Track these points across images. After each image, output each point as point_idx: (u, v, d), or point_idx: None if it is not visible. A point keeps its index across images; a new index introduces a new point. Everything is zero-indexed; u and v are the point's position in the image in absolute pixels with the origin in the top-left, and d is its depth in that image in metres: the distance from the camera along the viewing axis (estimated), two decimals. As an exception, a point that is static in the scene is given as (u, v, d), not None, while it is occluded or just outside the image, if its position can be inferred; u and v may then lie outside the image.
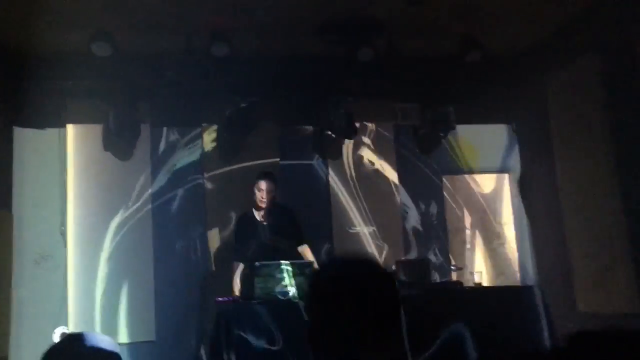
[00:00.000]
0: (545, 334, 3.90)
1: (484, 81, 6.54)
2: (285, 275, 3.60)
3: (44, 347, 4.80)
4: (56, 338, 5.47)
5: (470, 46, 5.97)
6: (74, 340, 1.53)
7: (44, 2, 4.72)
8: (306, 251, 4.71)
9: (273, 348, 3.40)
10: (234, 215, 5.83)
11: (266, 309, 3.51)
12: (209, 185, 6.14)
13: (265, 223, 4.74)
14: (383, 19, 5.64)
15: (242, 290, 4.40)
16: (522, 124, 7.00)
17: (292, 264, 3.67)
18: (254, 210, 4.79)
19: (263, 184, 4.68)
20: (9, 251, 5.36)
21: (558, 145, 6.29)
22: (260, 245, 4.61)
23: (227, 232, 5.97)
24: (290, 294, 3.59)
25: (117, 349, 1.59)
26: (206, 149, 6.21)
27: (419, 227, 6.63)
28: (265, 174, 4.81)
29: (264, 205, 4.69)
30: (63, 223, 5.75)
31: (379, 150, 6.63)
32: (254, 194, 4.72)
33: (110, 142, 5.89)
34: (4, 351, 5.18)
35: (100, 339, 1.58)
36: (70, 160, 5.84)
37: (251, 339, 3.43)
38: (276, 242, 4.59)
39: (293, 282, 3.58)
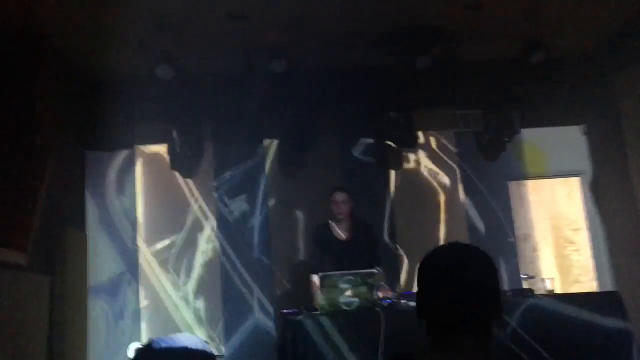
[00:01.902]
0: (625, 341, 3.69)
1: (549, 83, 6.35)
2: (349, 285, 3.57)
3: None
4: (131, 354, 5.64)
5: (534, 48, 5.82)
6: (164, 342, 1.51)
7: (110, 28, 4.93)
8: (379, 275, 4.61)
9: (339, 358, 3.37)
10: (300, 226, 5.89)
11: (330, 320, 3.48)
12: (272, 200, 6.20)
13: (343, 239, 4.71)
14: (440, 25, 5.58)
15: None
16: (592, 126, 6.72)
17: (355, 274, 3.64)
18: (331, 223, 4.78)
19: (337, 196, 4.70)
20: (84, 270, 5.58)
21: (631, 146, 6.01)
22: (337, 261, 4.56)
23: (288, 245, 6.01)
24: (355, 304, 3.55)
25: (210, 349, 1.56)
26: (268, 164, 6.28)
27: (485, 235, 6.44)
28: (337, 187, 4.86)
29: (341, 217, 4.67)
30: (134, 241, 5.94)
31: (440, 159, 6.51)
32: (331, 209, 4.72)
33: (176, 161, 6.06)
34: (83, 366, 5.38)
35: (193, 340, 1.55)
36: (139, 180, 6.05)
37: (317, 349, 3.41)
38: (353, 260, 4.51)
39: (357, 292, 3.55)
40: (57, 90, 5.11)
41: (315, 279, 4.57)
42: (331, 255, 4.61)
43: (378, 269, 4.63)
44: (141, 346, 1.54)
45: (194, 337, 1.58)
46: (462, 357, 1.41)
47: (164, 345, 1.50)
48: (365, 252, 4.66)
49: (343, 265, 4.33)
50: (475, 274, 1.45)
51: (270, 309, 5.91)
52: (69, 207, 5.49)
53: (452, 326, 1.43)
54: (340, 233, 4.73)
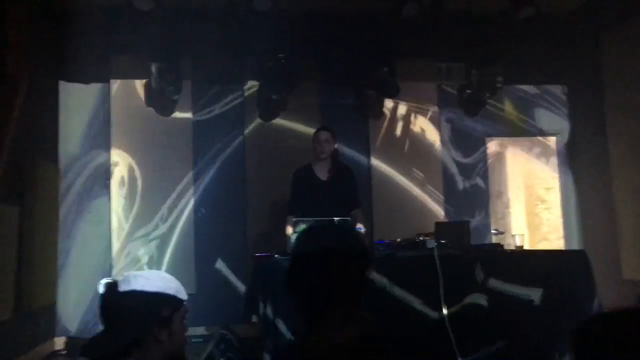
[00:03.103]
0: (589, 300, 3.79)
1: (535, 40, 6.29)
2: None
3: (89, 296, 4.96)
4: (101, 289, 5.65)
5: (524, 2, 5.74)
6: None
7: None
8: (358, 215, 4.65)
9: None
10: (272, 172, 5.87)
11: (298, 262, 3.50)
12: (249, 141, 6.14)
13: (324, 179, 4.70)
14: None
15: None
16: (573, 86, 6.73)
17: (330, 221, 3.64)
18: (312, 163, 4.77)
19: (320, 135, 4.67)
20: (55, 203, 5.51)
21: (611, 107, 6.05)
22: (317, 201, 4.55)
23: (264, 187, 6.00)
24: (327, 250, 3.57)
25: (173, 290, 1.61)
26: (247, 105, 6.19)
27: (461, 189, 6.52)
28: (322, 127, 4.83)
29: (323, 156, 4.65)
30: (107, 176, 5.86)
31: (420, 111, 6.49)
32: (313, 148, 4.70)
33: (153, 97, 5.93)
34: (52, 298, 5.38)
35: (157, 281, 1.59)
36: (113, 114, 5.92)
37: (284, 290, 3.44)
38: (332, 200, 4.51)
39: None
40: (30, 19, 4.92)
41: (288, 222, 4.58)
42: (310, 195, 4.59)
43: (357, 209, 4.66)
44: (111, 282, 1.58)
45: (157, 277, 1.58)
46: (335, 332, 1.45)
47: (120, 288, 1.53)
48: (344, 193, 4.66)
49: (322, 205, 4.33)
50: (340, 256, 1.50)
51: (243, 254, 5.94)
52: (41, 140, 5.37)
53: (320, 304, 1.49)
54: (321, 173, 4.71)
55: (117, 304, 1.52)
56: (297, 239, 1.64)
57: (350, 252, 1.53)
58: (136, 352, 1.49)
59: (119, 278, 1.62)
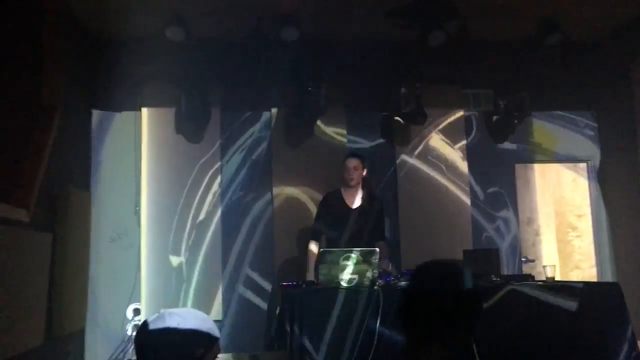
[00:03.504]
0: (622, 333, 3.70)
1: (563, 67, 6.26)
2: (349, 262, 3.57)
3: (117, 322, 5.02)
4: (129, 314, 5.71)
5: (550, 29, 5.73)
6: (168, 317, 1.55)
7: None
8: (383, 248, 4.57)
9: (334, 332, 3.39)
10: (301, 199, 5.89)
11: (328, 295, 3.49)
12: (277, 167, 6.17)
13: (352, 206, 4.67)
14: (455, 1, 5.48)
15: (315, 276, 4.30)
16: (604, 112, 6.65)
17: (356, 251, 3.63)
18: (342, 189, 4.76)
19: (349, 162, 4.68)
20: (87, 229, 5.60)
21: (642, 134, 5.95)
22: (341, 228, 4.54)
23: (291, 216, 6.02)
24: (354, 282, 3.56)
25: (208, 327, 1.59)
26: (275, 134, 6.24)
27: (489, 216, 6.44)
28: (351, 152, 4.87)
29: (352, 183, 4.64)
30: (137, 203, 5.95)
31: (448, 138, 6.46)
32: (344, 176, 4.72)
33: (182, 125, 6.03)
34: (81, 323, 5.44)
35: (190, 320, 1.58)
36: (144, 142, 6.03)
37: (314, 322, 3.43)
38: (358, 229, 4.49)
39: (357, 270, 3.55)
40: (65, 49, 5.06)
41: (313, 246, 4.56)
42: (336, 221, 4.58)
43: (382, 242, 4.63)
44: (139, 307, 1.59)
45: (191, 315, 1.59)
46: None
47: (154, 325, 1.53)
48: (371, 223, 4.64)
49: (347, 232, 4.32)
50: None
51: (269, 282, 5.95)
52: (73, 167, 5.48)
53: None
54: (350, 200, 4.69)
55: (152, 342, 1.53)
56: (415, 274, 1.71)
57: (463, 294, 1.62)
58: None
59: (151, 307, 1.63)
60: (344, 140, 6.26)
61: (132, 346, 5.48)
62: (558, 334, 3.63)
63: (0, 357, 3.69)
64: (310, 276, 4.40)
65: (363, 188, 4.67)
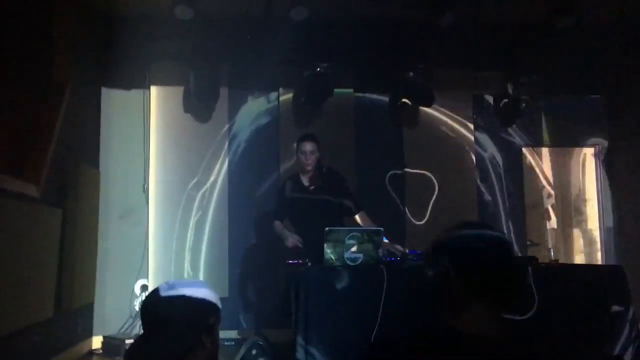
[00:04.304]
0: (624, 314, 3.73)
1: (574, 50, 6.22)
2: (354, 241, 3.60)
3: (125, 297, 5.08)
4: (137, 290, 5.79)
5: (562, 12, 5.68)
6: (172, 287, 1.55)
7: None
8: (364, 218, 4.55)
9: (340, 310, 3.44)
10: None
11: (333, 273, 3.53)
12: (284, 149, 6.20)
13: (312, 187, 4.59)
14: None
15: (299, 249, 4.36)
16: (612, 96, 6.61)
17: (362, 230, 3.66)
18: (300, 174, 4.72)
19: (306, 145, 4.52)
20: (96, 206, 5.67)
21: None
22: (305, 209, 4.51)
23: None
24: (360, 260, 3.59)
25: (214, 298, 1.61)
26: (283, 113, 6.26)
27: (495, 200, 6.46)
28: (306, 135, 4.66)
29: (309, 168, 4.55)
30: (145, 181, 6.00)
31: (456, 120, 6.45)
32: (298, 158, 4.62)
33: (190, 103, 6.05)
34: (90, 298, 5.53)
35: (199, 290, 1.59)
36: (153, 120, 6.06)
37: (320, 300, 3.47)
38: (322, 206, 4.45)
39: (362, 248, 3.58)
40: (75, 27, 5.07)
41: (277, 224, 4.58)
42: (299, 205, 4.53)
43: (362, 212, 4.59)
44: (147, 284, 1.60)
45: (199, 284, 1.61)
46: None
47: (167, 293, 1.54)
48: (336, 198, 4.58)
49: (308, 214, 4.32)
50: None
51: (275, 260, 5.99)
52: (83, 144, 5.53)
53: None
54: (308, 181, 4.63)
55: (167, 309, 1.52)
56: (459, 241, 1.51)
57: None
58: (186, 358, 1.50)
59: (158, 284, 1.62)
60: (351, 119, 6.26)
61: (139, 322, 5.57)
62: (559, 314, 3.66)
63: (10, 328, 3.77)
64: (291, 242, 4.42)
65: (316, 169, 4.59)
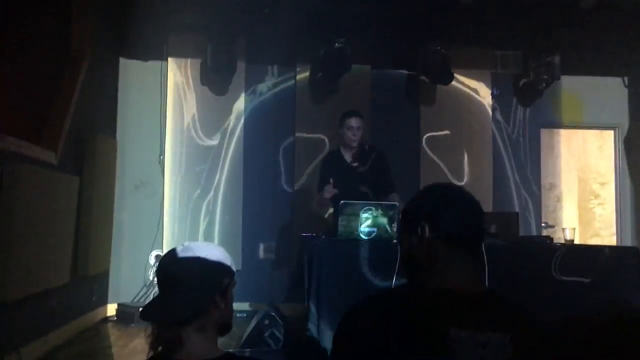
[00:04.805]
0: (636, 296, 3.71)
1: (596, 30, 6.10)
2: (369, 215, 3.61)
3: (140, 266, 5.13)
4: (152, 260, 5.85)
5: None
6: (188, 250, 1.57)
7: None
8: (396, 200, 4.55)
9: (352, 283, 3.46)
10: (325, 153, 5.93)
11: (347, 246, 3.54)
12: (300, 121, 6.19)
13: (355, 164, 4.59)
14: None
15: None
16: (635, 78, 6.51)
17: (377, 205, 3.66)
18: (342, 149, 4.72)
19: (353, 121, 4.50)
20: (113, 176, 5.71)
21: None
22: (344, 187, 4.50)
23: (316, 169, 6.06)
24: (374, 234, 3.60)
25: (229, 261, 1.63)
26: (299, 88, 6.24)
27: (512, 180, 6.42)
28: (353, 111, 4.63)
29: (355, 144, 4.56)
30: (162, 152, 6.03)
31: (474, 99, 6.40)
32: (343, 134, 4.63)
33: (208, 76, 6.05)
34: (106, 266, 5.60)
35: (213, 251, 1.61)
36: (169, 92, 6.07)
37: (332, 272, 3.49)
38: (364, 187, 4.44)
39: (377, 222, 3.59)
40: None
41: (328, 188, 4.47)
42: (340, 180, 4.52)
43: (394, 194, 4.58)
44: (161, 254, 1.61)
45: (215, 248, 1.63)
46: (464, 275, 1.43)
47: (184, 254, 1.56)
48: (375, 178, 4.57)
49: (350, 191, 4.29)
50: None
51: (288, 233, 6.02)
52: (100, 113, 5.56)
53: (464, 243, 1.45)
54: (350, 158, 4.63)
55: (182, 269, 1.54)
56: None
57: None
58: (198, 319, 1.53)
59: (178, 246, 1.64)
60: (368, 95, 6.23)
61: (154, 290, 5.67)
62: (575, 295, 3.65)
63: (27, 292, 3.84)
64: (328, 193, 4.33)
65: (359, 146, 4.57)
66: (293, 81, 6.27)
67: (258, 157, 6.17)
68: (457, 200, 1.49)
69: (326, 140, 6.06)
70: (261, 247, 6.09)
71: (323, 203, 4.35)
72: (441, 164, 6.27)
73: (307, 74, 6.25)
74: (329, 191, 4.30)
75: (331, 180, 4.35)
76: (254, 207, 6.09)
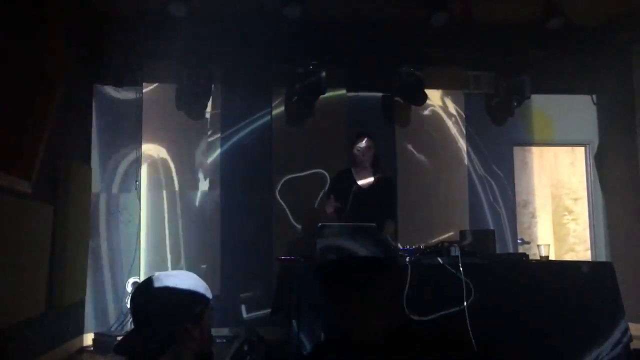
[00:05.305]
0: (612, 311, 3.77)
1: (564, 50, 6.27)
2: (348, 237, 3.61)
3: (117, 295, 5.05)
4: (129, 288, 5.77)
5: (553, 13, 5.73)
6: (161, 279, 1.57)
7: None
8: (390, 227, 4.59)
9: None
10: (299, 180, 5.97)
11: (324, 269, 3.54)
12: (277, 146, 6.21)
13: (362, 185, 4.66)
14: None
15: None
16: (603, 96, 6.67)
17: (355, 227, 3.68)
18: (353, 169, 4.75)
19: (362, 142, 4.62)
20: (87, 203, 5.65)
21: (640, 119, 5.98)
22: (352, 207, 4.54)
23: (291, 191, 6.09)
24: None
25: (205, 291, 1.62)
26: (275, 112, 6.27)
27: (486, 198, 6.51)
28: (363, 132, 4.74)
29: (366, 165, 4.64)
30: (137, 178, 5.99)
31: (447, 119, 6.49)
32: (354, 155, 4.68)
33: (183, 101, 6.05)
34: (82, 295, 5.51)
35: (189, 281, 1.61)
36: (145, 118, 6.05)
37: (310, 297, 3.48)
38: (367, 208, 4.48)
39: (356, 244, 3.59)
40: (68, 23, 5.05)
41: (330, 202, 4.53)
42: (346, 199, 4.55)
43: (390, 220, 4.65)
44: (138, 281, 1.61)
45: (186, 275, 1.62)
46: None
47: (154, 285, 1.55)
48: (381, 202, 4.64)
49: (358, 211, 4.32)
50: None
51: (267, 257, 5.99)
52: (75, 140, 5.51)
53: None
54: (360, 178, 4.69)
55: (151, 301, 1.54)
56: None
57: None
58: (172, 348, 1.52)
59: (148, 277, 1.63)
60: (344, 118, 6.28)
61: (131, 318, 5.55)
62: (549, 312, 3.69)
63: (2, 324, 3.76)
64: (329, 208, 4.43)
65: (372, 166, 4.65)
66: (269, 105, 6.29)
67: (236, 180, 6.16)
68: None
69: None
70: (240, 271, 6.02)
71: (328, 218, 4.40)
72: (417, 183, 6.32)
73: (282, 96, 6.27)
74: (331, 205, 4.36)
75: (331, 196, 4.47)
76: (232, 232, 6.06)
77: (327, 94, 6.04)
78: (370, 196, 4.61)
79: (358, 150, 4.63)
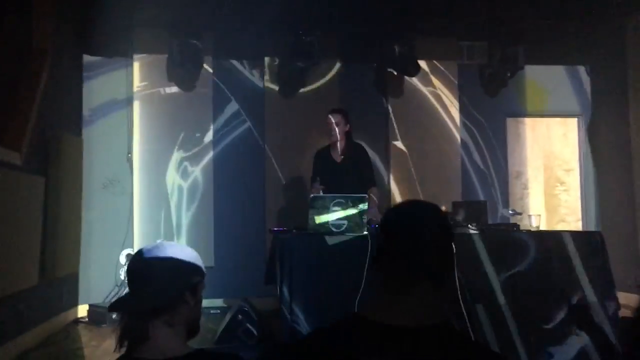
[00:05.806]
0: (602, 280, 3.81)
1: (558, 21, 6.22)
2: (339, 208, 3.63)
3: (111, 266, 5.07)
4: (122, 259, 5.79)
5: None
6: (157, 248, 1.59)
7: None
8: (374, 193, 4.68)
9: (322, 277, 3.48)
10: (291, 150, 5.96)
11: (317, 240, 3.56)
12: (269, 118, 6.19)
13: (340, 159, 4.75)
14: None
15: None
16: (597, 67, 6.65)
17: (346, 197, 3.69)
18: (330, 146, 4.83)
19: (331, 117, 4.71)
20: (79, 175, 5.63)
21: (634, 91, 5.97)
22: (330, 182, 4.59)
23: (285, 165, 6.09)
24: (344, 227, 3.62)
25: (199, 261, 1.64)
26: (267, 83, 6.23)
27: (479, 169, 6.53)
28: (333, 109, 4.83)
29: (334, 139, 4.71)
30: (129, 150, 5.96)
31: (440, 89, 6.47)
32: (328, 131, 4.74)
33: (174, 72, 5.99)
34: (75, 267, 5.53)
35: (183, 251, 1.62)
36: (135, 89, 6.00)
37: (303, 267, 3.51)
38: (349, 181, 4.54)
39: (346, 215, 3.61)
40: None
41: (313, 185, 4.60)
42: (327, 175, 4.63)
43: (374, 188, 4.71)
44: (132, 253, 1.62)
45: (187, 248, 1.65)
46: (410, 304, 1.36)
47: (156, 252, 1.57)
48: (357, 173, 4.71)
49: (336, 186, 4.37)
50: (431, 231, 1.41)
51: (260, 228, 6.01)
52: (65, 111, 5.47)
53: (404, 277, 1.38)
54: (336, 154, 4.76)
55: (152, 266, 1.56)
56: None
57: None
58: (167, 312, 1.54)
59: (151, 244, 1.66)
60: (337, 89, 6.25)
61: (126, 290, 5.60)
62: (537, 279, 3.73)
63: (-5, 295, 3.77)
64: (314, 192, 4.43)
65: (345, 140, 4.72)
66: (261, 75, 6.25)
67: (228, 152, 6.15)
68: (408, 216, 1.43)
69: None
70: (233, 241, 6.05)
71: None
72: (410, 155, 6.33)
73: (275, 66, 6.22)
74: (316, 188, 4.39)
75: (318, 179, 4.52)
76: (225, 203, 6.07)
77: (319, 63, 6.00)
78: (348, 168, 4.69)
79: (329, 125, 4.71)
